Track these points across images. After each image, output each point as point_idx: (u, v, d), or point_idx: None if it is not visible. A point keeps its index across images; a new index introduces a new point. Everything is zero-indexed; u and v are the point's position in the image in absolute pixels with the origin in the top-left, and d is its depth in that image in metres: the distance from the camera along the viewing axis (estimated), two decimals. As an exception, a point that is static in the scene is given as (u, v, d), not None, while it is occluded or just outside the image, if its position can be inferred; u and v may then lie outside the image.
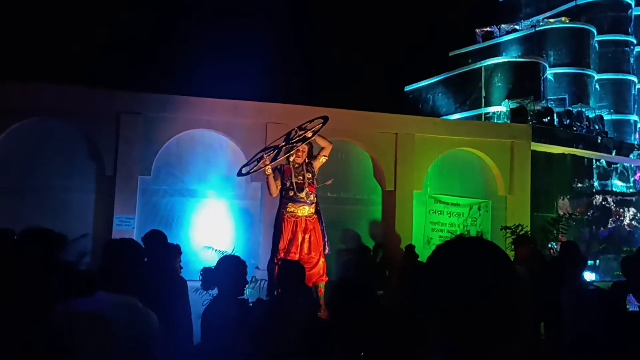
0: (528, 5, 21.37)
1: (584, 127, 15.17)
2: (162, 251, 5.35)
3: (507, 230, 10.78)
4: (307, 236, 6.54)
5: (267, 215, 10.77)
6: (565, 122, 15.11)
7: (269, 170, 6.36)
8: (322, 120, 6.53)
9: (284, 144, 6.66)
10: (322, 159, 6.79)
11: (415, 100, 19.29)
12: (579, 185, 14.56)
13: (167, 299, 3.97)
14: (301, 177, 6.62)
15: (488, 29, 20.62)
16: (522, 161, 12.73)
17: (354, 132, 11.48)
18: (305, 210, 6.55)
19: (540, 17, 19.79)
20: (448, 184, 12.55)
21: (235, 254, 10.04)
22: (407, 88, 20.00)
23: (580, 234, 13.76)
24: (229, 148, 10.96)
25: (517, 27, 20.42)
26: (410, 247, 10.57)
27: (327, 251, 6.73)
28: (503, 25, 20.79)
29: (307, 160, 6.76)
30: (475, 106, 16.13)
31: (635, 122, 18.77)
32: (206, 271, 3.75)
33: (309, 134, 6.50)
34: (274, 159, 6.38)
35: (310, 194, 6.61)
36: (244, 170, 6.67)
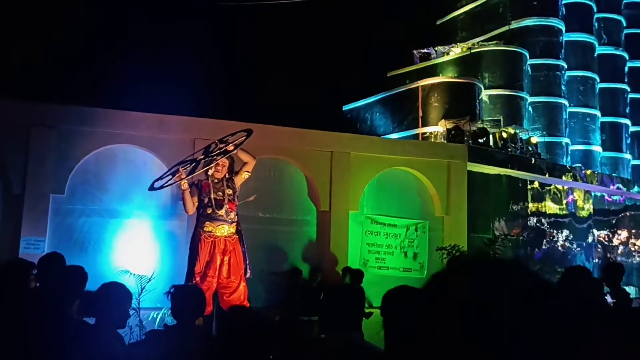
0: (464, 29, 21.67)
1: (518, 148, 15.26)
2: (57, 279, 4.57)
3: (444, 251, 10.51)
4: (226, 258, 5.92)
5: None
6: (500, 144, 15.17)
7: (185, 184, 5.73)
8: (245, 134, 5.99)
9: (202, 157, 6.05)
10: (244, 175, 6.21)
11: (354, 120, 19.07)
12: (514, 206, 14.57)
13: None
14: (221, 193, 6.01)
15: (425, 50, 20.75)
16: (458, 181, 12.59)
17: (287, 149, 11.02)
18: (225, 230, 5.93)
19: (475, 40, 20.07)
20: (385, 205, 12.23)
21: (158, 277, 9.40)
22: (345, 107, 19.78)
23: (516, 255, 13.70)
24: (154, 165, 10.25)
25: (453, 49, 20.65)
26: (351, 270, 10.07)
27: (248, 275, 6.13)
28: (439, 47, 20.98)
29: (227, 176, 6.17)
30: (413, 126, 16.02)
31: (567, 144, 19.18)
32: (87, 295, 3.20)
33: (230, 147, 5.94)
34: (191, 172, 5.76)
35: (231, 211, 6.02)
36: (156, 185, 5.98)
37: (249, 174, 6.21)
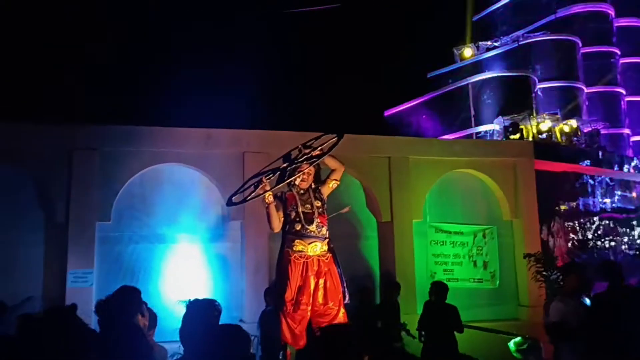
0: (504, 22, 20.70)
1: (583, 142, 14.18)
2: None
3: (531, 258, 9.48)
4: (321, 281, 4.93)
5: (249, 258, 9.37)
6: (561, 139, 14.12)
7: (270, 197, 4.83)
8: (334, 137, 5.07)
9: (285, 165, 5.15)
10: (332, 184, 5.29)
11: (396, 125, 18.22)
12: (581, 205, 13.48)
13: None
14: (309, 206, 5.08)
15: (466, 47, 19.83)
16: (526, 181, 11.57)
17: (342, 157, 10.14)
18: (318, 248, 4.97)
19: (519, 32, 19.05)
20: (449, 211, 11.29)
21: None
22: (387, 113, 18.94)
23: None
24: (202, 184, 9.56)
25: (496, 44, 19.66)
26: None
27: (347, 300, 5.15)
28: (481, 43, 20.02)
29: (313, 186, 5.28)
30: (465, 126, 15.08)
31: (628, 135, 17.97)
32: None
33: (316, 153, 5.05)
34: (279, 182, 4.86)
35: (322, 226, 5.07)
36: (235, 199, 5.08)
37: (338, 182, 5.31)
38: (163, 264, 9.26)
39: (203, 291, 9.00)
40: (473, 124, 14.94)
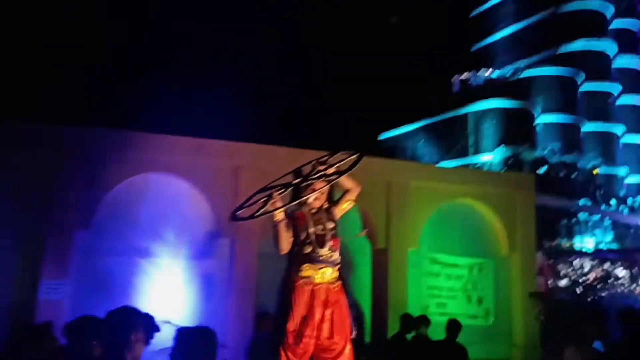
0: (504, 52, 20.52)
1: (581, 179, 13.87)
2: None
3: (537, 298, 9.00)
4: (327, 312, 4.27)
5: (238, 278, 8.82)
6: (559, 174, 13.80)
7: (280, 215, 4.25)
8: (355, 156, 4.51)
9: (297, 180, 4.55)
10: (346, 205, 4.68)
11: (392, 149, 17.84)
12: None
13: None
14: (321, 227, 4.50)
15: (465, 75, 19.60)
16: (526, 215, 11.20)
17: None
18: (327, 275, 4.32)
19: (519, 63, 18.87)
20: (445, 242, 10.85)
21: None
22: (382, 136, 18.55)
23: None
24: (191, 196, 9.01)
25: (493, 75, 19.46)
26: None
27: (353, 335, 4.52)
28: (479, 73, 19.81)
29: (325, 205, 4.72)
30: (464, 154, 14.71)
31: (622, 177, 17.73)
32: None
33: (331, 171, 4.52)
34: (293, 199, 4.26)
35: (334, 250, 4.48)
36: (240, 214, 4.43)
37: (353, 203, 4.75)
38: (142, 279, 8.65)
39: (184, 311, 8.41)
40: (472, 152, 14.57)
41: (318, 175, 4.38)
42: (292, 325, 4.24)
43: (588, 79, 17.86)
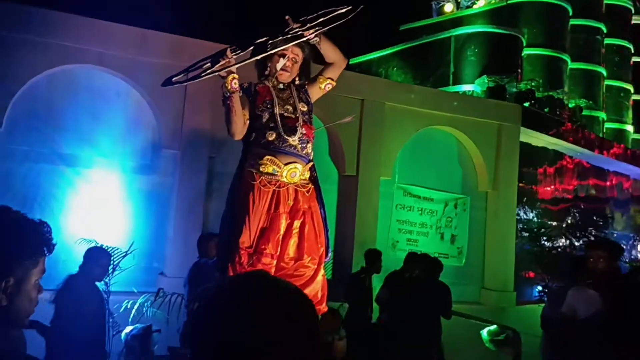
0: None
1: (565, 117, 12.87)
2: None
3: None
4: (296, 223, 2.93)
5: (182, 197, 7.55)
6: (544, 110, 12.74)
7: (235, 82, 2.80)
8: (345, 8, 3.07)
9: (263, 40, 3.11)
10: (325, 84, 3.29)
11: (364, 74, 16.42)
12: (560, 187, 12.27)
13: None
14: (290, 108, 3.15)
15: (447, 1, 18.12)
16: (510, 149, 10.20)
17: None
18: (297, 173, 2.95)
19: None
20: (420, 173, 9.77)
21: (136, 252, 6.77)
22: (353, 60, 17.09)
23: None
24: (130, 97, 7.59)
25: (476, 1, 18.05)
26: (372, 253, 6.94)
27: (328, 257, 3.23)
28: None
29: (298, 81, 3.35)
30: (442, 83, 13.47)
31: (604, 120, 16.91)
32: None
33: (308, 33, 3.09)
34: (256, 54, 2.84)
35: (307, 141, 3.11)
36: (177, 79, 2.99)
37: (334, 84, 3.37)
38: (68, 191, 7.28)
39: (115, 231, 7.11)
40: (452, 81, 13.35)
41: (293, 34, 3.01)
42: (246, 238, 2.89)
43: (577, 14, 16.68)
